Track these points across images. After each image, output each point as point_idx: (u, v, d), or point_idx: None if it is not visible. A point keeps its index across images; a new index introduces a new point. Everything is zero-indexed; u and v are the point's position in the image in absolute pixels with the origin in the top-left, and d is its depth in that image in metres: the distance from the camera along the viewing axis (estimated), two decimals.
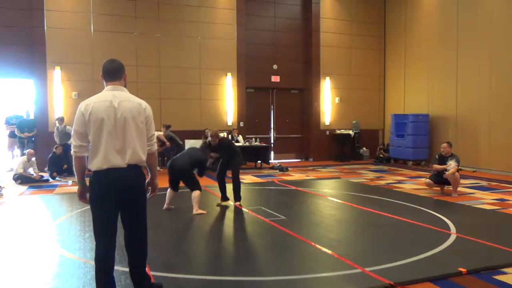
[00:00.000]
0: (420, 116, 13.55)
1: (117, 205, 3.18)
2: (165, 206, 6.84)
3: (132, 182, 3.20)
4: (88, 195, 3.24)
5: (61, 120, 11.42)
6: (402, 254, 4.54)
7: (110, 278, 3.23)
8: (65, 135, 11.23)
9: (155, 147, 3.40)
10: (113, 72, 3.27)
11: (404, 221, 6.08)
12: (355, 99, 15.63)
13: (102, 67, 3.29)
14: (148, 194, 3.42)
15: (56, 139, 11.29)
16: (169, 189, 6.83)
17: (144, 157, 3.25)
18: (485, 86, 11.95)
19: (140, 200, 3.27)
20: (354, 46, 15.54)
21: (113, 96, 3.18)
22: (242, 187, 9.11)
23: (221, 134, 8.24)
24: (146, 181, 3.40)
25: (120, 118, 3.13)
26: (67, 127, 11.40)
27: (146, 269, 3.50)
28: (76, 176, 3.23)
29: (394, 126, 14.20)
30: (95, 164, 3.13)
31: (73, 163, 3.20)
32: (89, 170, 3.22)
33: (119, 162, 3.13)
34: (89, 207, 3.24)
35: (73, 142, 3.16)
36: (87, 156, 3.18)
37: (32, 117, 12.03)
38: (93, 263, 3.42)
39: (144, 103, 3.30)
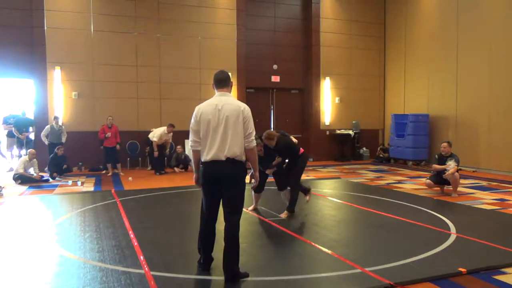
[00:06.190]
0: (420, 116, 13.54)
1: (218, 191, 3.85)
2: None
3: (228, 173, 3.78)
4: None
5: (57, 119, 11.29)
6: (402, 254, 4.54)
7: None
8: (59, 134, 11.15)
9: (253, 144, 3.86)
10: (222, 81, 3.96)
11: (404, 221, 6.07)
12: (355, 99, 15.61)
13: (213, 77, 4.00)
14: (251, 184, 4.08)
15: (44, 138, 11.03)
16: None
17: (239, 152, 3.78)
18: (485, 86, 11.94)
19: (234, 188, 3.82)
20: (354, 46, 15.53)
21: (219, 101, 3.85)
22: None
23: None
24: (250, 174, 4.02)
25: (222, 118, 3.76)
26: (63, 127, 11.38)
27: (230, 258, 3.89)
28: (193, 165, 4.02)
29: (394, 126, 14.19)
30: (204, 156, 3.84)
31: (192, 155, 3.99)
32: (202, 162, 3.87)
33: (219, 156, 3.74)
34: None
35: (190, 138, 3.92)
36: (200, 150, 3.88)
37: (28, 116, 11.98)
38: (93, 263, 4.10)
39: (243, 106, 3.85)
